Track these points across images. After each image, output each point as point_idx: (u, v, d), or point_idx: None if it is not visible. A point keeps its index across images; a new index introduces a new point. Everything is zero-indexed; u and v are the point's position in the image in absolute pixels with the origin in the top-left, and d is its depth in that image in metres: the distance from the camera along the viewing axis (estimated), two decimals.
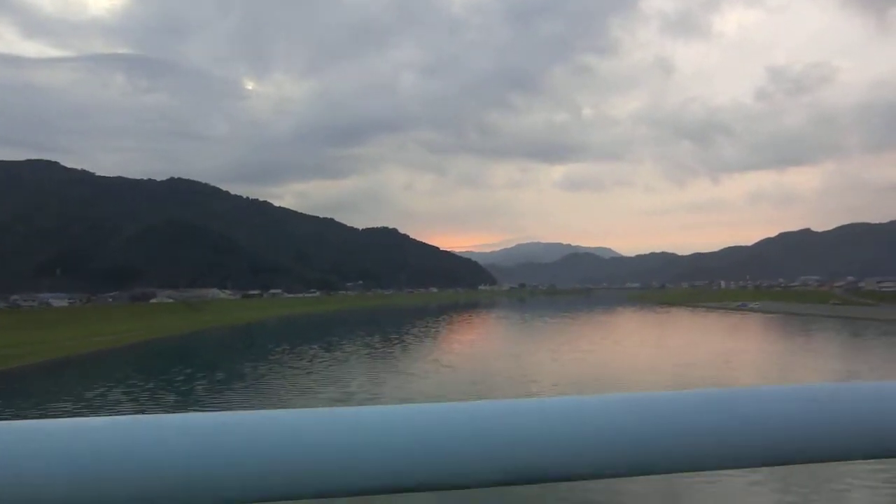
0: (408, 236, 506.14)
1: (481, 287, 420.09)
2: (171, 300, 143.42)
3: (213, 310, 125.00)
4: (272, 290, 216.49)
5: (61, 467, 0.66)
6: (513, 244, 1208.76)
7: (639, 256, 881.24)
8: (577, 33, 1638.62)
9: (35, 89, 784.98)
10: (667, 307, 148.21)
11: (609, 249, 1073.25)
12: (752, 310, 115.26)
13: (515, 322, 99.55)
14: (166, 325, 77.71)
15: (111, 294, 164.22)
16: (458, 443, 0.74)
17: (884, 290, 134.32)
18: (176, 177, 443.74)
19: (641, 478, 0.74)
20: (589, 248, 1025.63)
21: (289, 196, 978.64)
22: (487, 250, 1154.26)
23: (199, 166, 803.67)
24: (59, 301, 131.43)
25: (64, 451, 0.67)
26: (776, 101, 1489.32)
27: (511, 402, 0.79)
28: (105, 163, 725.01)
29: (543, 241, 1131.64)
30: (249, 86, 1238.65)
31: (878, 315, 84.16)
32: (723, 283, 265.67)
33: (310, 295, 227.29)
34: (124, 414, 0.82)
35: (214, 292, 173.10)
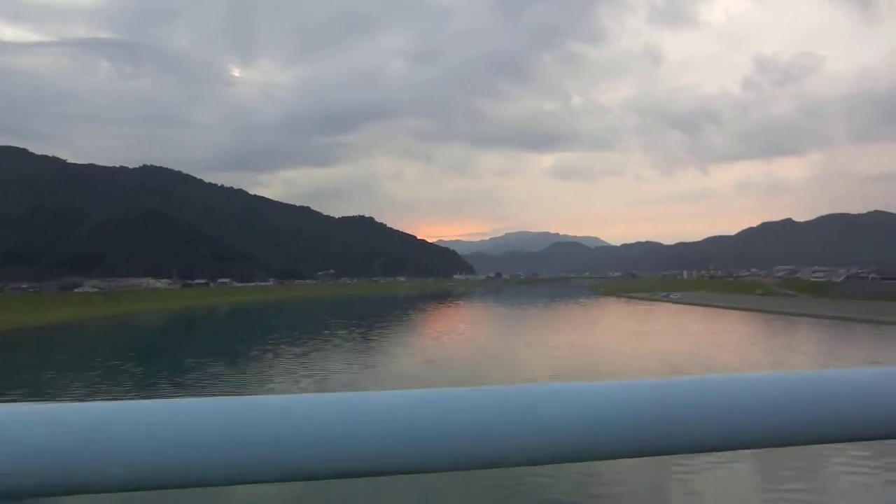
0: (384, 225, 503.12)
1: (456, 276, 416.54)
2: (94, 289, 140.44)
3: (127, 299, 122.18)
4: (221, 280, 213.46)
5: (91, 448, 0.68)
6: (501, 233, 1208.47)
7: (624, 245, 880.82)
8: (565, 20, 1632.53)
9: (14, 74, 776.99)
10: (605, 296, 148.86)
11: (596, 238, 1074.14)
12: (670, 300, 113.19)
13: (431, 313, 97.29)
14: (24, 318, 74.47)
15: (46, 283, 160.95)
16: (458, 427, 0.74)
17: (815, 279, 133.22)
18: (149, 164, 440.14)
19: (648, 460, 1.13)
20: (576, 237, 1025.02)
21: (276, 184, 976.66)
22: (476, 239, 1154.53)
23: (185, 154, 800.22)
24: None
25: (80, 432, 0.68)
26: (764, 90, 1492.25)
27: (510, 388, 0.80)
28: (86, 149, 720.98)
29: (531, 230, 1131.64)
30: (236, 72, 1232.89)
31: (771, 306, 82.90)
32: (685, 273, 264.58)
33: (262, 284, 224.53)
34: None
35: (149, 281, 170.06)
